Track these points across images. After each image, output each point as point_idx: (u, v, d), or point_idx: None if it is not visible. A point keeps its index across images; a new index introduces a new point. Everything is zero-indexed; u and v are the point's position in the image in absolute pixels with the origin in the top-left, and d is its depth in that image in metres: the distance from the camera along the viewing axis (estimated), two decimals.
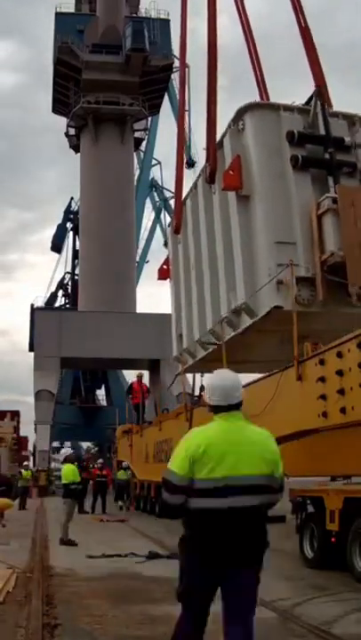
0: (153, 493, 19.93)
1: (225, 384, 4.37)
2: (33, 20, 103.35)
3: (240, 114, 12.85)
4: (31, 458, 42.46)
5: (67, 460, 15.85)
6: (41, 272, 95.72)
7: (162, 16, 48.95)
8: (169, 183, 58.57)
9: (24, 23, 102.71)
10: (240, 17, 14.90)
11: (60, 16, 48.23)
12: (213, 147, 13.60)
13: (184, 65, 18.21)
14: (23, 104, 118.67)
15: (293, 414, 10.53)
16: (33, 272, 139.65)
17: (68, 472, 14.47)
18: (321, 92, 12.88)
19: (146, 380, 45.45)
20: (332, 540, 8.91)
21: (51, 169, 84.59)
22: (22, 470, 28.98)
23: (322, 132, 12.52)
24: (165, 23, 48.35)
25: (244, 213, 12.50)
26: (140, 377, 27.87)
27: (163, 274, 17.86)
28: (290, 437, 11.63)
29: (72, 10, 50.18)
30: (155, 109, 51.96)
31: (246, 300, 12.17)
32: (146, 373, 45.73)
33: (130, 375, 55.95)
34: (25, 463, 33.90)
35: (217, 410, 4.24)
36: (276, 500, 4.13)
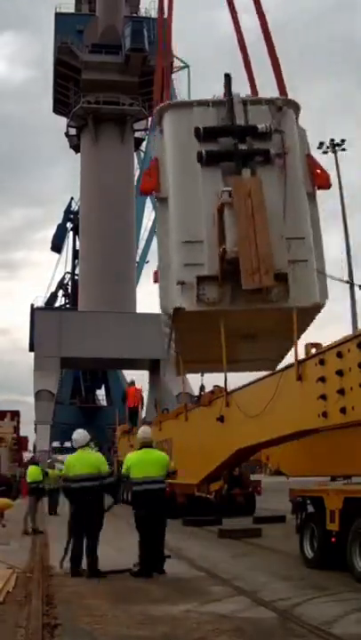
0: None
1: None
2: (47, 14, 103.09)
3: (160, 117, 12.67)
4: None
5: (32, 461, 17.68)
6: (45, 271, 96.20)
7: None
8: None
9: (37, 17, 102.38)
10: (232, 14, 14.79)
11: (59, 16, 48.18)
12: None
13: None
14: (32, 99, 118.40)
15: (293, 414, 10.52)
16: (37, 270, 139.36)
17: (32, 472, 16.54)
18: (229, 80, 12.54)
19: (146, 379, 45.63)
20: (333, 539, 8.90)
21: (57, 167, 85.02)
22: (48, 470, 26.78)
23: (240, 122, 12.18)
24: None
25: (162, 215, 12.40)
26: (132, 383, 28.71)
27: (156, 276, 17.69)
28: (290, 437, 11.63)
29: (72, 10, 50.14)
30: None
31: (161, 303, 12.09)
32: (146, 373, 45.84)
33: (130, 375, 56.02)
34: (49, 460, 29.37)
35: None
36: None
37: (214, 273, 11.44)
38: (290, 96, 13.33)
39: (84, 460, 9.50)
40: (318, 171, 12.57)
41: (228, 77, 12.53)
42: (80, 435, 9.77)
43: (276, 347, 13.97)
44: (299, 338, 13.55)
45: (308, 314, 12.00)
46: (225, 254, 11.16)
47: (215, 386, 14.92)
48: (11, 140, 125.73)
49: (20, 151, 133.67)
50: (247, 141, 11.93)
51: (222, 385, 13.86)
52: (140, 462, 9.37)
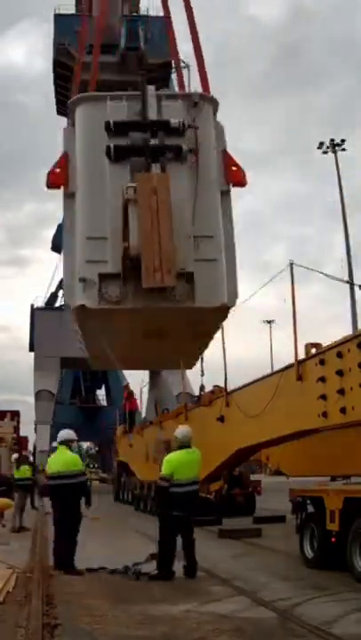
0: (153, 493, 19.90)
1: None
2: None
3: (72, 110, 12.40)
4: (31, 457, 42.41)
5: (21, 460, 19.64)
6: (50, 269, 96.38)
7: (161, 14, 48.68)
8: None
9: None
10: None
11: (59, 17, 48.12)
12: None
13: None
14: (49, 91, 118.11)
15: (294, 414, 10.52)
16: (43, 267, 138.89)
17: (22, 471, 18.32)
18: (143, 74, 12.25)
19: (146, 379, 45.55)
20: (333, 539, 8.90)
21: None
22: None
23: (154, 117, 11.84)
24: (164, 21, 48.10)
25: (69, 211, 12.13)
26: (128, 387, 29.71)
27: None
28: (290, 437, 11.63)
29: (73, 10, 50.05)
30: None
31: (65, 300, 11.88)
32: (146, 373, 45.79)
33: (130, 375, 55.92)
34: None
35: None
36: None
37: (117, 270, 11.19)
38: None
39: (58, 458, 9.69)
40: (234, 167, 12.24)
41: (142, 73, 12.30)
42: (63, 432, 9.97)
43: (190, 346, 13.84)
44: (212, 337, 13.39)
45: (216, 314, 11.68)
46: (128, 251, 10.90)
47: (215, 386, 14.93)
48: (25, 133, 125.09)
49: (33, 145, 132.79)
50: (159, 137, 11.61)
51: (222, 385, 13.86)
52: (185, 464, 9.16)
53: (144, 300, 11.01)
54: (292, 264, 11.10)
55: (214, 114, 12.46)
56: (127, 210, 11.06)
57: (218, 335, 16.10)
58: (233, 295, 11.68)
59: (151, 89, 12.27)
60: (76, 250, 11.61)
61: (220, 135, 12.32)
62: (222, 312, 11.59)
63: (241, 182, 12.44)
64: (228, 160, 12.21)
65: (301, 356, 10.40)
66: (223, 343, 12.70)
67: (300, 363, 10.28)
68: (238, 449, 13.16)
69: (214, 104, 12.52)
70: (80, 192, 11.81)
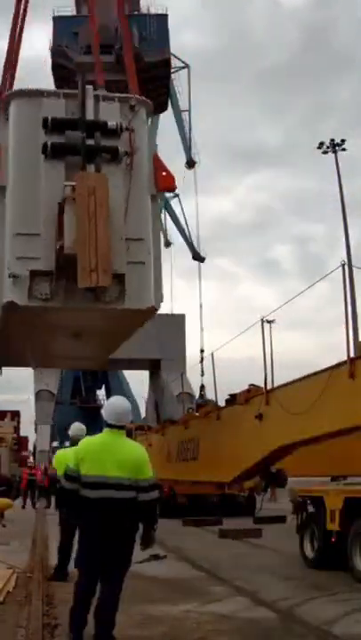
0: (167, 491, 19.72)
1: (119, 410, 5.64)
2: None
3: (7, 103, 12.44)
4: (31, 457, 42.46)
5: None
6: None
7: (159, 11, 48.63)
8: None
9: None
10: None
11: (58, 19, 48.07)
12: None
13: None
14: None
15: (345, 411, 10.32)
16: None
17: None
18: (84, 72, 12.21)
19: (146, 380, 45.57)
20: (333, 540, 8.90)
21: None
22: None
23: (91, 117, 11.91)
24: (163, 18, 48.05)
25: (0, 205, 12.15)
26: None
27: None
28: (339, 434, 11.44)
29: (74, 12, 50.04)
30: (157, 108, 51.68)
31: None
32: (146, 373, 45.85)
33: (130, 375, 56.03)
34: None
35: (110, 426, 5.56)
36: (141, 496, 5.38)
37: (49, 268, 11.23)
38: None
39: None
40: (164, 173, 12.33)
41: (82, 71, 12.31)
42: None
43: (100, 346, 13.90)
44: (127, 339, 13.62)
45: (141, 317, 11.83)
46: (62, 250, 10.95)
47: (251, 384, 14.93)
48: None
49: None
50: (95, 137, 11.70)
51: (256, 384, 13.95)
52: None
53: (75, 299, 11.05)
54: (343, 265, 11.12)
55: (148, 117, 12.51)
56: (63, 209, 11.08)
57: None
58: (159, 298, 11.86)
59: (89, 89, 12.26)
60: (6, 245, 11.62)
61: (151, 139, 12.41)
62: (150, 314, 11.75)
63: (171, 187, 12.58)
64: (157, 164, 12.28)
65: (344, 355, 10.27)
66: (263, 345, 12.73)
67: (352, 360, 10.25)
68: (280, 446, 12.88)
69: (148, 107, 12.60)
70: (11, 186, 11.81)
